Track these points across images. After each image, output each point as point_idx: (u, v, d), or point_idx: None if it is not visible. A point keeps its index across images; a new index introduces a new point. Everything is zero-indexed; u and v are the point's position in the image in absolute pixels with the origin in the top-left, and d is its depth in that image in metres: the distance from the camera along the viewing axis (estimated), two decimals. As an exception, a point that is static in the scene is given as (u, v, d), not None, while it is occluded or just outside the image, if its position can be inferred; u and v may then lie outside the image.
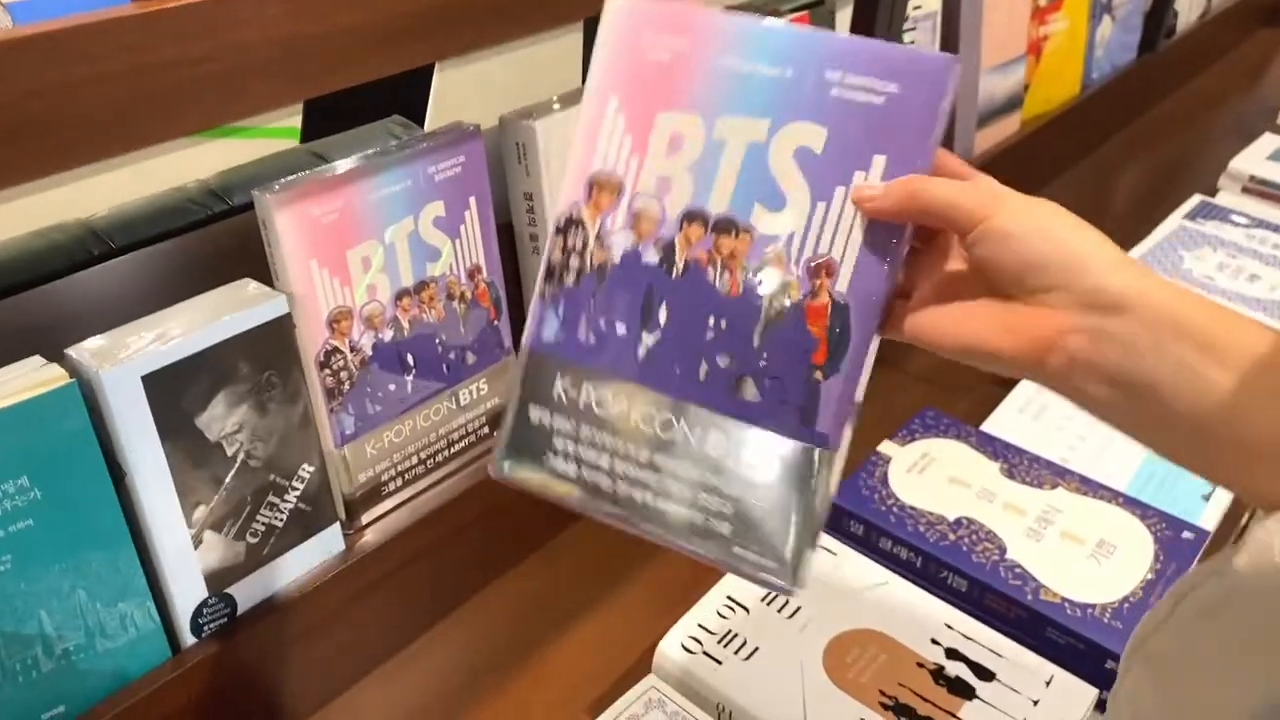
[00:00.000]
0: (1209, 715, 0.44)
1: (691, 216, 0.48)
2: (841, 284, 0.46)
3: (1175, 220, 1.24)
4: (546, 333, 0.49)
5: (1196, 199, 1.30)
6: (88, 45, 0.42)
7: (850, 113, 0.45)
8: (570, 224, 0.50)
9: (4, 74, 0.41)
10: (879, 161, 0.45)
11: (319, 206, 0.63)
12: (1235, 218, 1.25)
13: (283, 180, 0.62)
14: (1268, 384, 0.40)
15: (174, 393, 0.56)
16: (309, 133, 1.23)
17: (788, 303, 0.46)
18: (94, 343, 0.56)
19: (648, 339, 0.48)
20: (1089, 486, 0.79)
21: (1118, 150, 1.56)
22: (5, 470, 0.51)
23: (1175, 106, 1.71)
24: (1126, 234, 1.20)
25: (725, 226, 0.47)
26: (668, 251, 0.48)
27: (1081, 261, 0.43)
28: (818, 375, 0.46)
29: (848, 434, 0.47)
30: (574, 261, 0.49)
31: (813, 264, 0.46)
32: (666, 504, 0.47)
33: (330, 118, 1.33)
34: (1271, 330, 0.42)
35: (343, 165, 0.65)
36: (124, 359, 0.54)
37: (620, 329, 0.48)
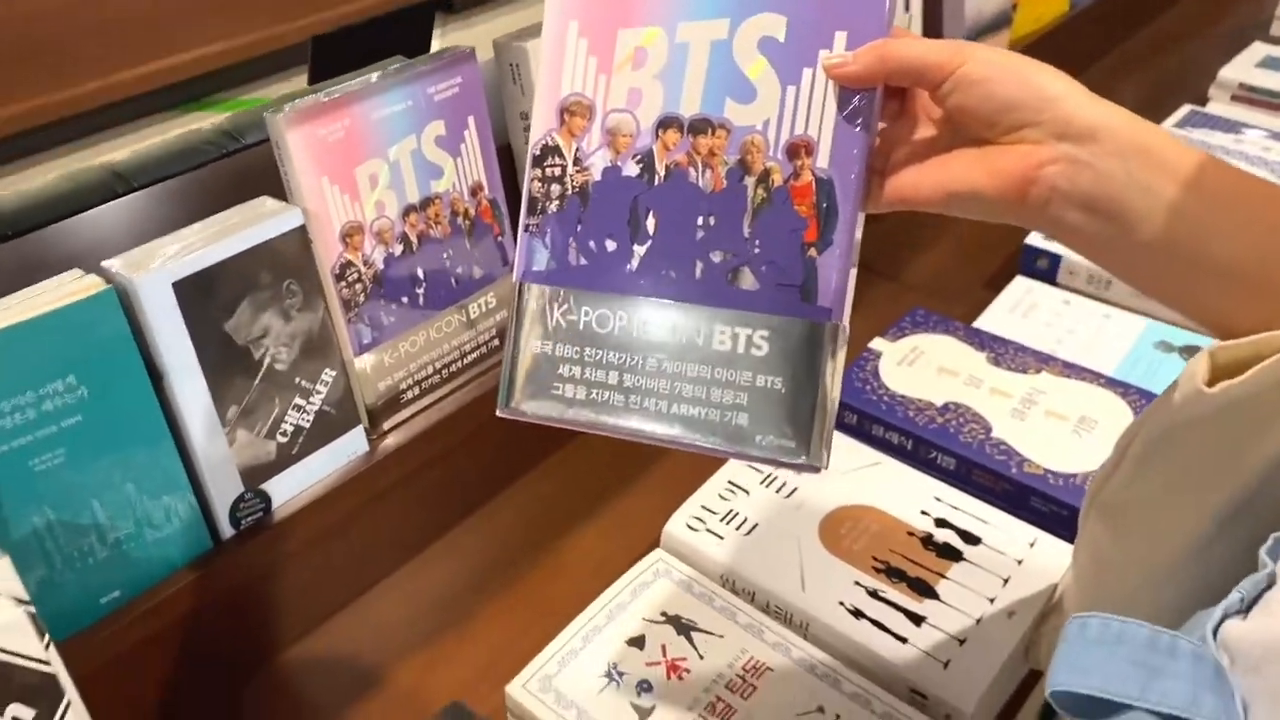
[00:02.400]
0: (1161, 546, 0.48)
1: (666, 123, 0.49)
2: (822, 160, 0.47)
3: (1165, 128, 1.27)
4: (536, 264, 0.51)
5: (1186, 108, 1.32)
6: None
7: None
8: (546, 152, 0.51)
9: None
10: (840, 38, 0.47)
11: (326, 126, 0.67)
12: (1224, 124, 1.27)
13: (291, 103, 0.67)
14: (1231, 212, 0.43)
15: (203, 299, 0.61)
16: (316, 77, 1.26)
17: (772, 188, 0.48)
18: (126, 256, 0.60)
19: (639, 250, 0.49)
20: (1072, 370, 0.83)
21: (1110, 67, 1.58)
22: (53, 370, 0.56)
23: (1168, 23, 1.72)
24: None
25: (700, 126, 0.49)
26: (647, 161, 0.49)
27: (1053, 97, 0.45)
28: (812, 252, 0.48)
29: (848, 307, 0.48)
30: (554, 189, 0.51)
31: (791, 145, 0.48)
32: (682, 408, 0.48)
33: (336, 63, 1.37)
34: (1234, 167, 0.45)
35: (346, 86, 0.69)
36: (154, 268, 0.59)
37: (610, 245, 0.50)
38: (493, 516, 0.81)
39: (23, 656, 0.47)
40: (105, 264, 0.59)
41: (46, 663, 0.48)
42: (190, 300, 0.60)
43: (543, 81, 0.51)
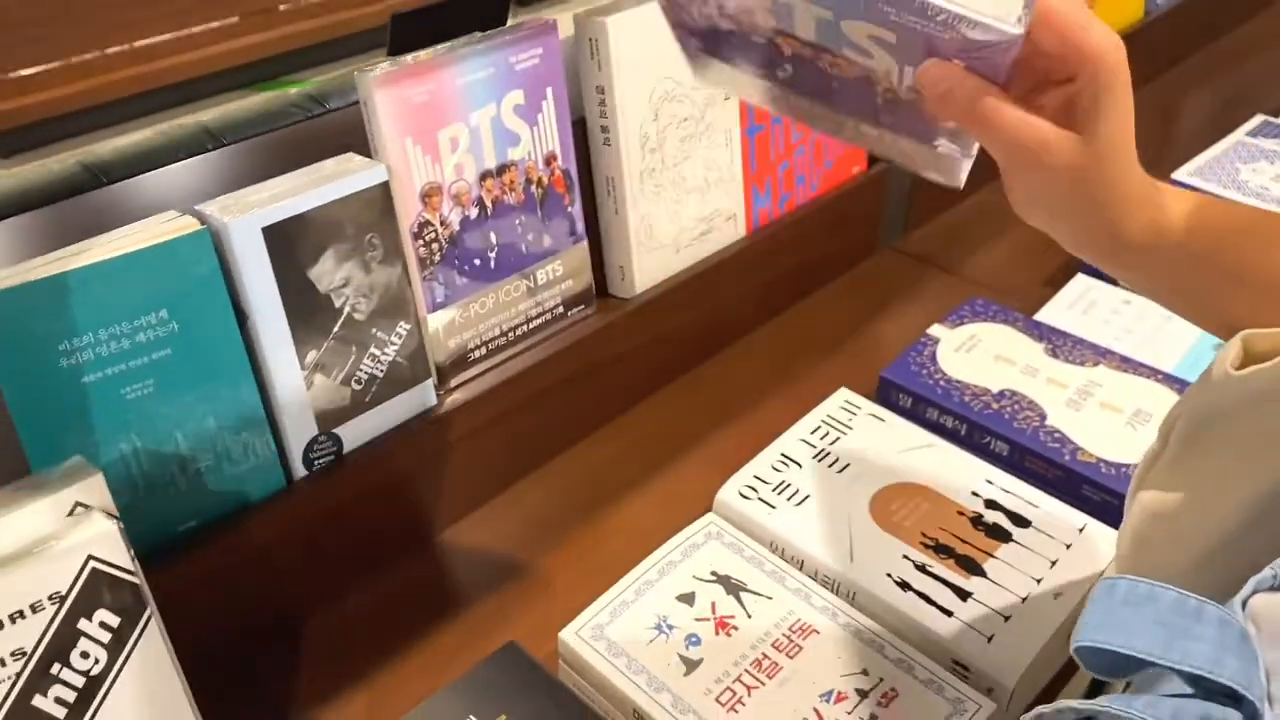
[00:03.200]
0: (1201, 531, 0.49)
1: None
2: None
3: (1236, 136, 1.26)
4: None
5: (1259, 118, 1.31)
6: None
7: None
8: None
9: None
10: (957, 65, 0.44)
11: (412, 88, 0.70)
12: (1297, 135, 1.26)
13: (380, 64, 0.69)
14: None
15: (289, 245, 0.64)
16: (395, 50, 1.29)
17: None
18: (220, 200, 0.63)
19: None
20: (1129, 365, 0.83)
21: (1183, 75, 1.56)
22: (147, 303, 0.59)
23: (1245, 33, 1.70)
24: (1186, 150, 1.22)
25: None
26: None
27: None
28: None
29: None
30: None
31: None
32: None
33: (414, 41, 1.40)
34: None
35: (433, 52, 0.71)
36: (247, 213, 0.62)
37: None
38: (551, 476, 0.83)
39: (113, 566, 0.51)
40: (199, 207, 0.63)
41: (134, 574, 0.51)
42: (278, 246, 0.63)
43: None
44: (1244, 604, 0.34)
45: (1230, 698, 0.31)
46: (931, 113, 0.47)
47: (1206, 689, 0.32)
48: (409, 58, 0.70)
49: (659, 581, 0.66)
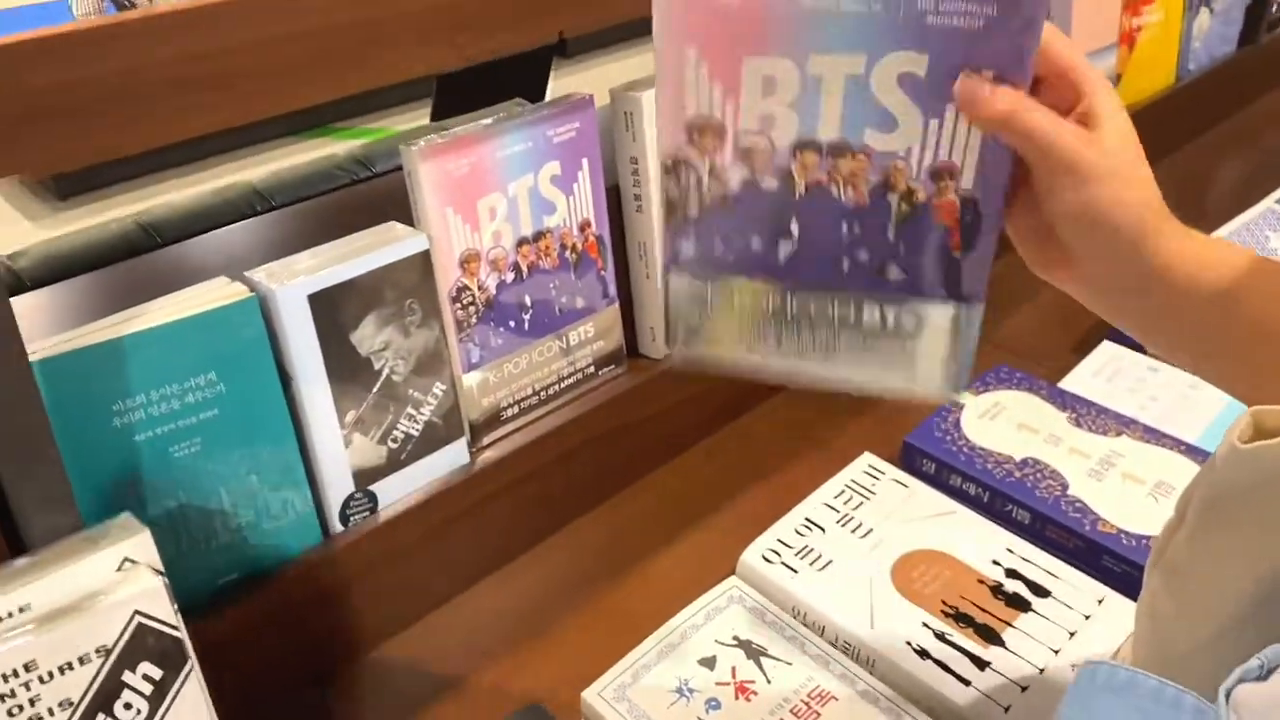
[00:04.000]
0: (1214, 609, 0.49)
1: (803, 145, 0.49)
2: (966, 181, 0.49)
3: (1266, 203, 1.27)
4: (684, 252, 0.52)
5: (1289, 186, 1.32)
6: (286, 6, 0.52)
7: (950, 36, 0.46)
8: (678, 165, 0.51)
9: (218, 30, 0.51)
10: (986, 76, 0.47)
11: (454, 160, 0.73)
12: (1328, 203, 1.26)
13: (425, 138, 0.73)
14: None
15: (333, 311, 0.66)
16: (439, 113, 1.35)
17: (916, 204, 0.49)
18: (268, 267, 0.66)
19: (784, 247, 0.51)
20: (1152, 435, 0.84)
21: (1213, 143, 1.57)
22: (197, 365, 0.62)
23: (1275, 100, 1.71)
24: (1216, 217, 1.23)
25: (840, 150, 0.49)
26: (785, 178, 0.50)
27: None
28: (955, 254, 0.50)
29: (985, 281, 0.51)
30: (692, 196, 0.51)
31: (935, 170, 0.49)
32: (840, 360, 0.54)
33: (458, 101, 1.45)
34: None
35: (475, 126, 0.74)
36: (294, 280, 0.65)
37: (756, 243, 0.51)
38: (579, 534, 0.85)
39: (158, 620, 0.53)
40: (248, 274, 0.66)
41: (177, 629, 0.54)
42: (322, 311, 0.66)
43: (663, 102, 0.51)
44: (1228, 694, 0.35)
45: None
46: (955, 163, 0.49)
47: None
48: (452, 131, 0.73)
49: (681, 645, 0.68)
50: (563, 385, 0.85)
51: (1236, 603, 0.47)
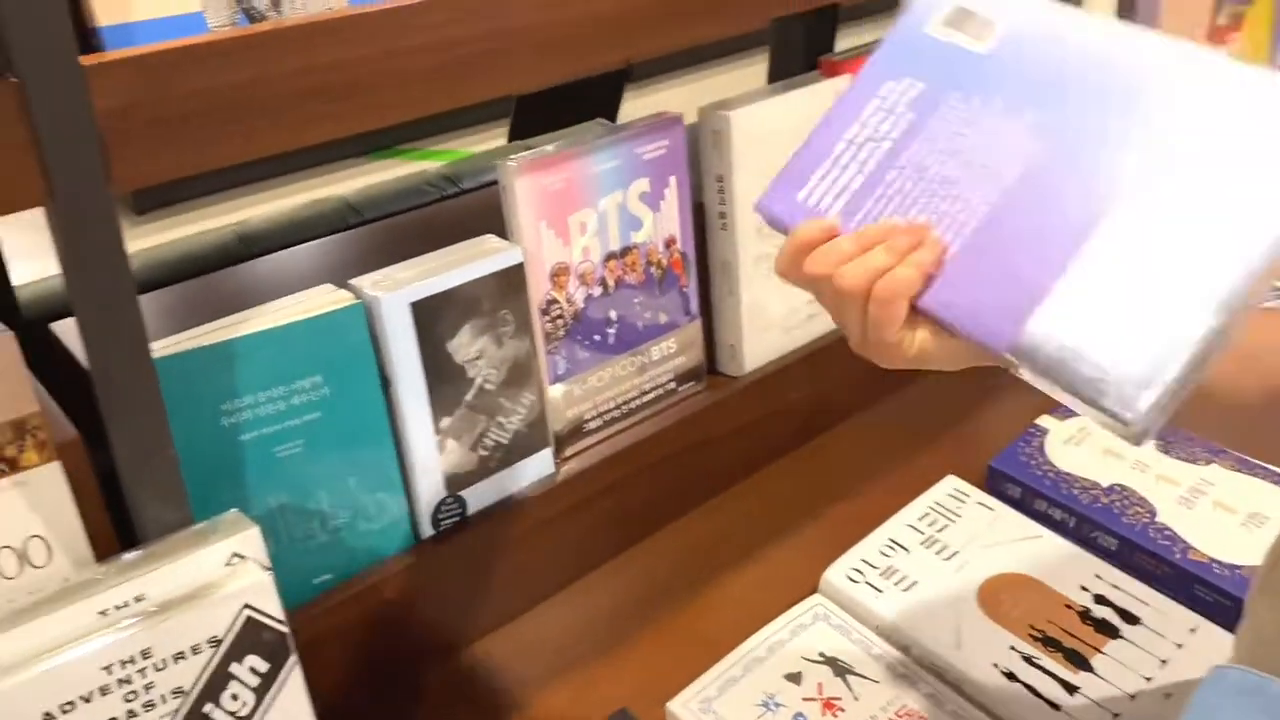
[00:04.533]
0: None
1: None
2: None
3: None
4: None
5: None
6: (404, 21, 0.54)
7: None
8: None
9: (343, 41, 0.53)
10: None
11: (549, 177, 0.74)
12: None
13: (520, 154, 0.74)
14: None
15: (432, 319, 0.68)
16: (517, 133, 1.37)
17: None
18: (371, 276, 0.68)
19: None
20: (1245, 465, 0.83)
21: None
22: (304, 369, 0.64)
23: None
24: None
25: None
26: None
27: None
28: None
29: None
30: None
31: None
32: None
33: (536, 121, 1.47)
34: None
35: (569, 143, 0.76)
36: (397, 289, 0.66)
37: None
38: (658, 547, 0.86)
39: (265, 614, 0.54)
40: (353, 281, 0.67)
41: (282, 623, 0.55)
42: (423, 319, 0.67)
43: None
44: None
45: None
46: None
47: None
48: (546, 148, 0.75)
49: (767, 659, 0.68)
50: (644, 399, 0.86)
51: None
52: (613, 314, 0.82)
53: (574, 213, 0.77)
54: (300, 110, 0.53)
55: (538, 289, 0.76)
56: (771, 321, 0.92)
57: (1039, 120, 0.49)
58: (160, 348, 0.60)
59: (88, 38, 0.49)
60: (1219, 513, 0.78)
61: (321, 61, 0.52)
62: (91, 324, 0.50)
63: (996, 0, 0.53)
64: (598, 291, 0.80)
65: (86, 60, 0.46)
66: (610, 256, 0.80)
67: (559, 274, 0.77)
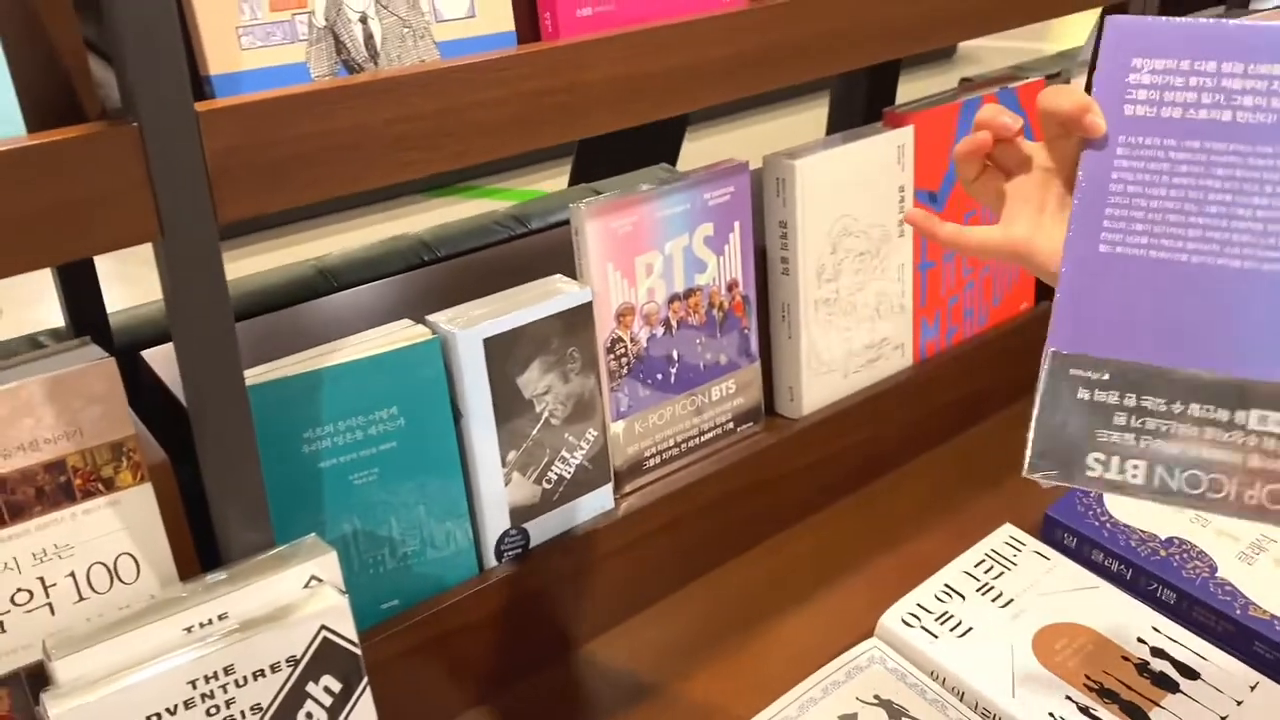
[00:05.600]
0: None
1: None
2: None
3: None
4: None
5: None
6: (490, 75, 0.57)
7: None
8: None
9: (434, 94, 0.56)
10: None
11: (618, 219, 0.77)
12: None
13: (591, 198, 0.77)
14: None
15: (504, 355, 0.70)
16: (578, 174, 1.40)
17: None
18: (447, 313, 0.71)
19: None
20: (1306, 522, 0.82)
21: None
22: (383, 399, 0.67)
23: None
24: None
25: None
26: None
27: None
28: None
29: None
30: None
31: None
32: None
33: (598, 164, 1.51)
34: None
35: (637, 188, 0.78)
36: (472, 325, 0.69)
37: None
38: (714, 587, 0.87)
39: (341, 636, 0.57)
40: (430, 317, 0.70)
41: (356, 645, 0.57)
42: (495, 355, 0.70)
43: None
44: None
45: None
46: None
47: None
48: (615, 193, 0.77)
49: (822, 700, 0.69)
50: (703, 439, 0.88)
51: None
52: (675, 353, 0.84)
53: (640, 255, 0.79)
54: (392, 157, 0.55)
55: (604, 327, 0.78)
56: (831, 365, 0.94)
57: None
58: (249, 377, 0.63)
59: (200, 85, 0.52)
60: (1279, 570, 0.78)
61: (413, 112, 0.55)
62: (191, 353, 0.53)
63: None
64: (660, 331, 0.82)
65: (200, 107, 0.49)
66: (674, 298, 0.82)
67: (624, 314, 0.79)
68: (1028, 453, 0.48)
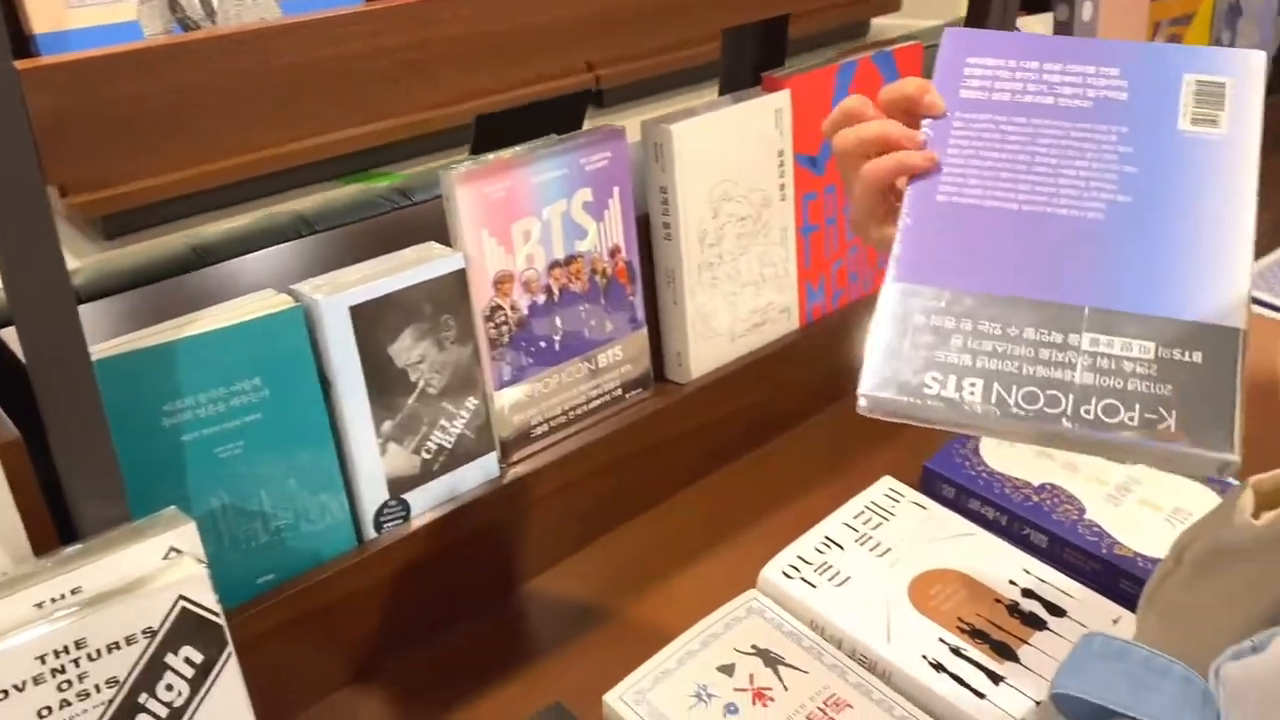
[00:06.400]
0: (1210, 651, 0.51)
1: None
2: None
3: (1290, 247, 1.28)
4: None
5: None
6: (334, 31, 0.56)
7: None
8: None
9: (274, 50, 0.55)
10: None
11: (491, 185, 0.77)
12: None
13: (464, 162, 0.76)
14: None
15: (372, 323, 0.70)
16: (478, 148, 1.38)
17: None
18: (312, 281, 0.70)
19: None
20: (1171, 464, 0.85)
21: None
22: (244, 370, 0.66)
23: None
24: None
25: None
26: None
27: None
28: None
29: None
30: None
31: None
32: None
33: (497, 141, 1.50)
34: None
35: (511, 152, 0.78)
36: (336, 292, 0.68)
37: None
38: (605, 550, 0.87)
39: (201, 606, 0.56)
40: (294, 286, 0.69)
41: (218, 615, 0.56)
42: (362, 323, 0.69)
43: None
44: (1218, 670, 0.36)
45: None
46: None
47: None
48: (490, 156, 0.77)
49: (700, 652, 0.69)
50: (591, 406, 0.88)
51: (1226, 638, 0.49)
52: (558, 322, 0.83)
53: (517, 221, 0.79)
54: (234, 116, 0.55)
55: (481, 295, 0.78)
56: (717, 331, 0.94)
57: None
58: (101, 350, 0.61)
59: (24, 44, 0.51)
60: (1145, 510, 0.80)
61: (252, 70, 0.54)
62: (29, 323, 0.52)
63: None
64: (542, 299, 0.82)
65: (22, 65, 0.48)
66: (555, 265, 0.82)
67: (502, 281, 0.79)
68: (864, 382, 0.48)
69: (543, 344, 0.83)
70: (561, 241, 0.82)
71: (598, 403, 0.88)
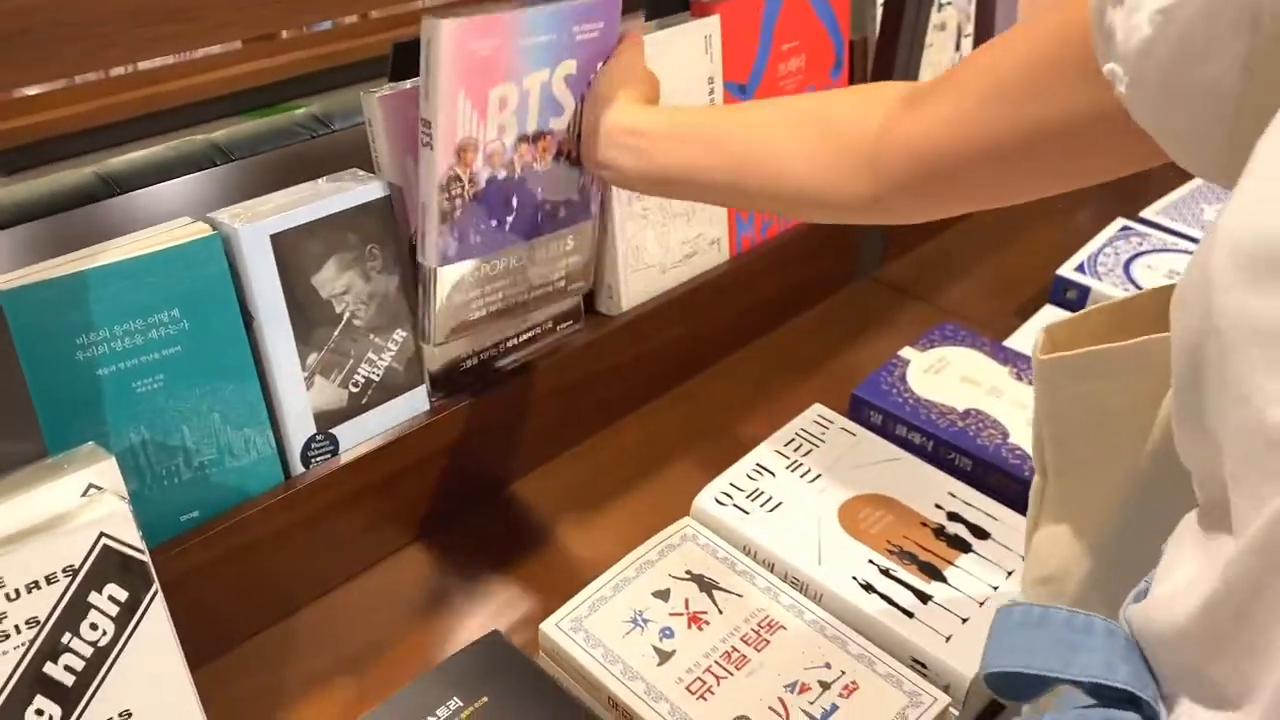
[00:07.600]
0: (1095, 544, 0.53)
1: (520, 139, 0.74)
2: None
3: (1199, 180, 1.31)
4: (449, 251, 0.72)
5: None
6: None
7: (585, 46, 0.74)
8: (451, 181, 0.70)
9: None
10: (599, 68, 0.75)
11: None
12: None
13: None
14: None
15: (295, 252, 0.68)
16: (396, 74, 1.34)
17: (574, 160, 0.78)
18: (231, 209, 0.67)
19: (509, 219, 0.75)
20: (1090, 389, 0.87)
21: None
22: (160, 302, 0.63)
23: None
24: (1158, 191, 1.28)
25: (538, 136, 0.75)
26: (510, 166, 0.74)
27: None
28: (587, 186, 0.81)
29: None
30: (458, 203, 0.71)
31: (579, 135, 0.77)
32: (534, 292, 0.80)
33: (414, 67, 1.45)
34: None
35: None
36: (256, 220, 0.66)
37: (494, 224, 0.74)
38: (539, 482, 0.87)
39: (123, 543, 0.54)
40: (211, 214, 0.67)
41: (142, 551, 0.55)
42: (284, 252, 0.67)
43: (441, 133, 0.69)
44: (1126, 616, 0.37)
45: (1128, 701, 0.34)
46: None
47: (1105, 696, 0.35)
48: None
49: (636, 579, 0.70)
50: (521, 340, 0.87)
51: (1112, 528, 0.51)
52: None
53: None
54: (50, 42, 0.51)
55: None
56: (648, 263, 0.94)
57: None
58: (11, 279, 0.59)
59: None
60: (1065, 433, 0.83)
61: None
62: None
63: None
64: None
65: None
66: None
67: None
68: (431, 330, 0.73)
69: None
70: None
71: (528, 336, 0.87)
